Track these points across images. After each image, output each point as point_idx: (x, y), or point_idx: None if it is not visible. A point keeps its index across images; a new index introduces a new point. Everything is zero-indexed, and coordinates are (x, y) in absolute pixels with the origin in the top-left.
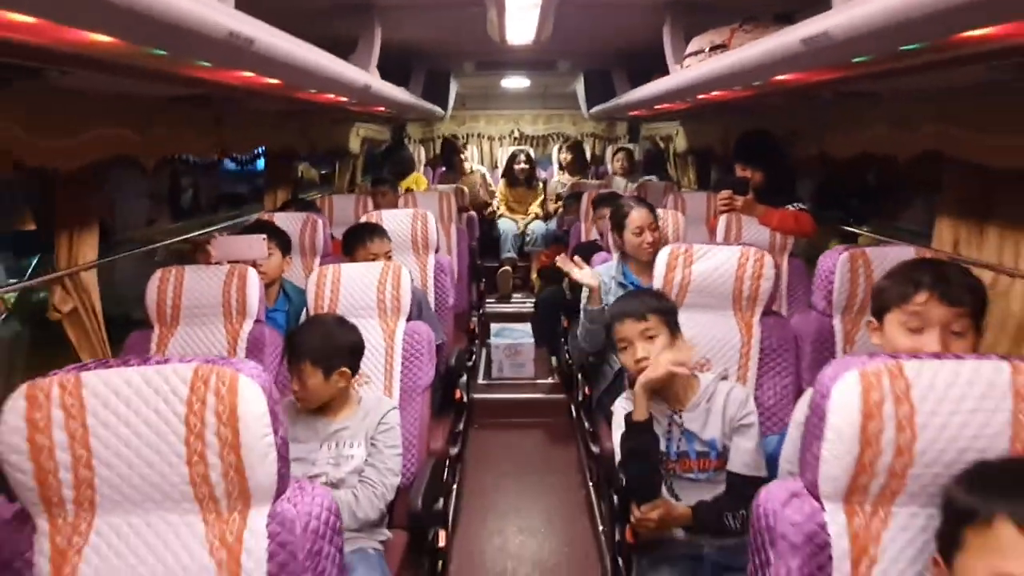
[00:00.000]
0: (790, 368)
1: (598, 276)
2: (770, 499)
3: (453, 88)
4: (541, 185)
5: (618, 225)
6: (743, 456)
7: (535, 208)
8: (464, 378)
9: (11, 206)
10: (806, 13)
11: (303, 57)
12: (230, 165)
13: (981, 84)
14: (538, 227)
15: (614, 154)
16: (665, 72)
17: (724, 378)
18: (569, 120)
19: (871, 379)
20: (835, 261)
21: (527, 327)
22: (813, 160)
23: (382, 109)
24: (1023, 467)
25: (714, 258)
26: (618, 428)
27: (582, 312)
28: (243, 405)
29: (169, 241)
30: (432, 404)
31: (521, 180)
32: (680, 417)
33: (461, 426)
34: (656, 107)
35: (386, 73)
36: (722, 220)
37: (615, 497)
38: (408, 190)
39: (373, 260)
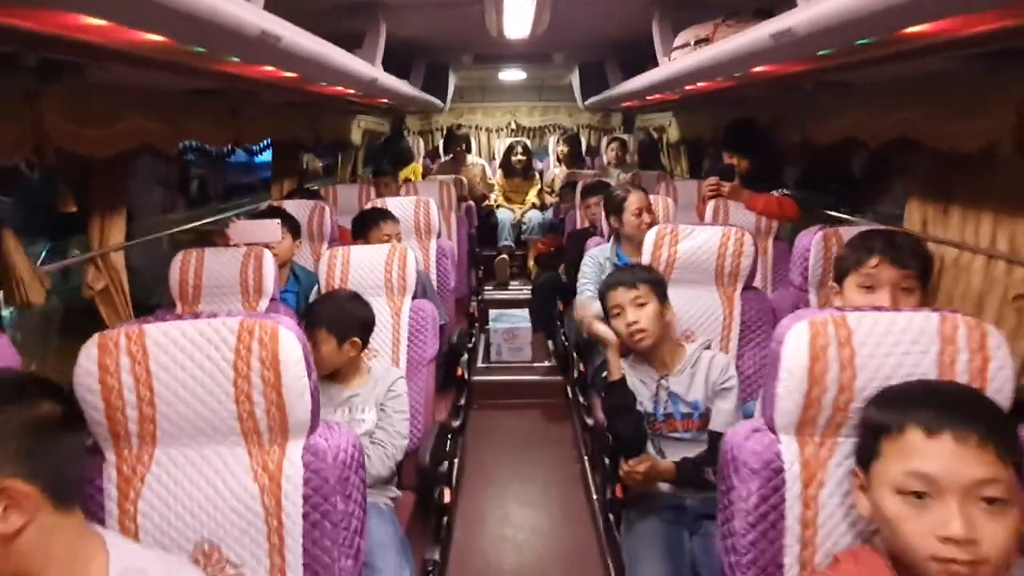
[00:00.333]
0: (768, 339)
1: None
2: (735, 435)
3: (452, 81)
4: (537, 176)
5: (616, 209)
6: (723, 416)
7: (532, 198)
8: (465, 357)
9: (55, 191)
10: (782, 8)
11: (321, 53)
12: (235, 158)
13: (941, 74)
14: (534, 216)
15: (608, 144)
16: (655, 64)
17: (707, 347)
18: (565, 112)
19: (818, 327)
20: (811, 240)
21: (524, 312)
22: (796, 147)
23: (384, 101)
24: (925, 388)
25: (698, 237)
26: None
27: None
28: (283, 352)
29: (187, 226)
30: (436, 380)
31: (518, 171)
32: (667, 381)
33: (462, 401)
34: (647, 98)
35: (388, 67)
36: (710, 205)
37: (607, 461)
38: (407, 180)
39: (386, 241)
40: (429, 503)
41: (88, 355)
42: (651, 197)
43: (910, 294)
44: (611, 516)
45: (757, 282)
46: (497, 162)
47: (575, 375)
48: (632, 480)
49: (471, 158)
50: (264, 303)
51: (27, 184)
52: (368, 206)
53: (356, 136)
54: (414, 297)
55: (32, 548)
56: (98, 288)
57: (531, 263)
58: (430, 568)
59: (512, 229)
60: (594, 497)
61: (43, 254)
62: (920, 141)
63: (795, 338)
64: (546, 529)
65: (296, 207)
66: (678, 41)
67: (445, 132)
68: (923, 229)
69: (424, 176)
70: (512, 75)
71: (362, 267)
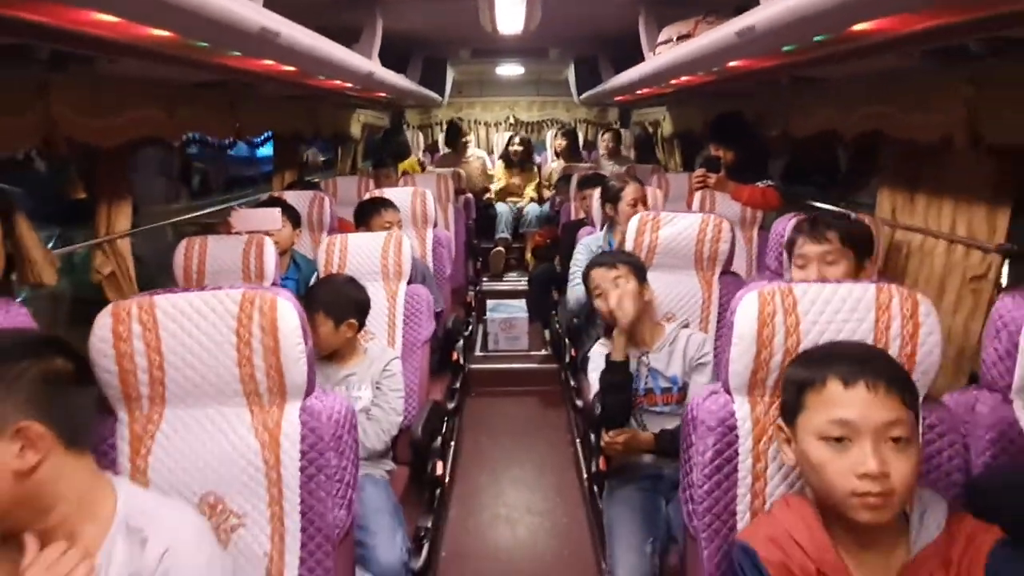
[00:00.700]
0: None
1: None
2: (695, 398)
3: (450, 75)
4: (536, 169)
5: (613, 198)
6: (699, 390)
7: (530, 191)
8: (460, 342)
9: (64, 180)
10: (753, 6)
11: (318, 47)
12: (235, 152)
13: (903, 71)
14: (532, 209)
15: (602, 135)
16: (644, 60)
17: (686, 326)
18: (563, 107)
19: (767, 297)
20: (785, 226)
21: (522, 303)
22: (780, 140)
23: (383, 95)
24: (838, 347)
25: (678, 224)
26: (595, 369)
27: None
28: (281, 320)
29: (189, 216)
30: (431, 365)
31: (516, 163)
32: (647, 358)
33: (457, 385)
34: (637, 92)
35: (385, 61)
36: (697, 196)
37: (592, 438)
38: (404, 172)
39: (387, 228)
40: (423, 476)
41: (103, 323)
42: (646, 189)
43: (833, 265)
44: (595, 488)
45: (743, 270)
46: (496, 155)
47: (567, 359)
48: (613, 450)
49: (471, 151)
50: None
51: (35, 175)
52: (367, 196)
53: (355, 130)
54: (411, 282)
55: (46, 484)
56: (105, 273)
57: (528, 255)
58: (422, 534)
59: (510, 222)
60: (583, 467)
61: (53, 240)
62: (886, 133)
63: (746, 307)
64: (539, 508)
65: (296, 198)
66: (661, 37)
67: (445, 126)
68: (892, 216)
69: (422, 171)
70: (510, 70)
71: (359, 253)
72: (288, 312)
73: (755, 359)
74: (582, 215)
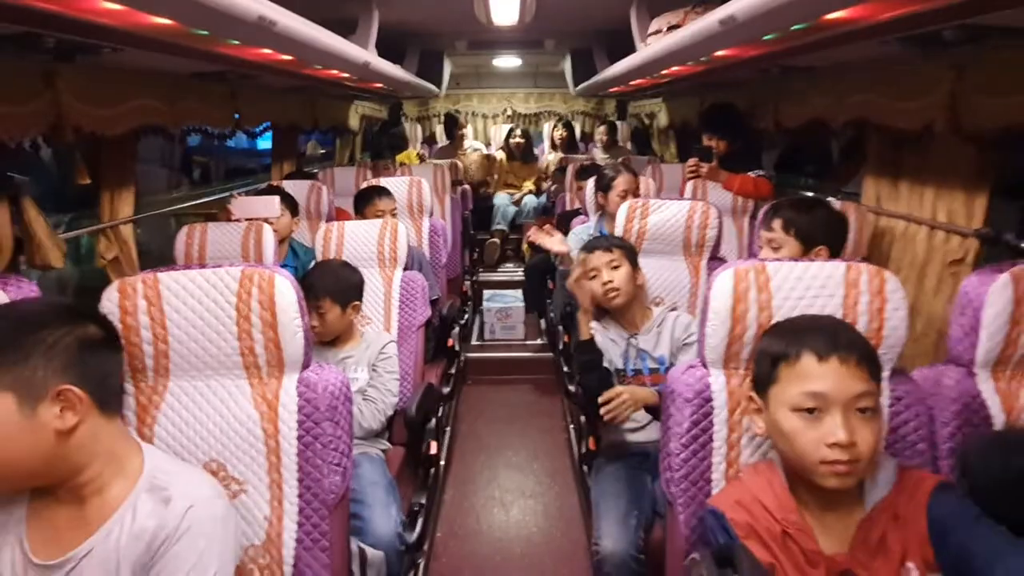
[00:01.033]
0: None
1: (565, 243)
2: (675, 372)
3: (447, 67)
4: (536, 161)
5: (604, 187)
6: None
7: (529, 184)
8: (456, 329)
9: (69, 168)
10: None
11: (314, 37)
12: (233, 143)
13: (886, 60)
14: (530, 200)
15: (597, 127)
16: (636, 50)
17: (673, 309)
18: (560, 98)
19: (741, 274)
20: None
21: (518, 293)
22: (772, 130)
23: (380, 86)
24: (810, 322)
25: (667, 211)
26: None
27: (558, 276)
28: (279, 296)
29: (189, 204)
30: (427, 351)
31: (518, 155)
32: (636, 340)
33: (453, 370)
34: (630, 83)
35: (382, 52)
36: (689, 185)
37: (583, 419)
38: (401, 164)
39: (380, 216)
40: (417, 456)
41: (109, 298)
42: (639, 179)
43: (778, 250)
44: (585, 467)
45: (734, 257)
46: (494, 147)
47: (560, 346)
48: (613, 410)
49: (467, 143)
50: None
51: (40, 164)
52: (366, 184)
53: (354, 121)
54: (407, 269)
55: (82, 444)
56: (109, 258)
57: (525, 246)
58: (416, 509)
59: (508, 213)
60: (575, 452)
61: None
62: (873, 122)
63: (721, 283)
64: (532, 491)
65: (295, 187)
66: (652, 27)
67: (444, 118)
68: (877, 203)
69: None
70: (506, 62)
71: (356, 240)
72: (285, 288)
73: (730, 333)
74: (578, 205)
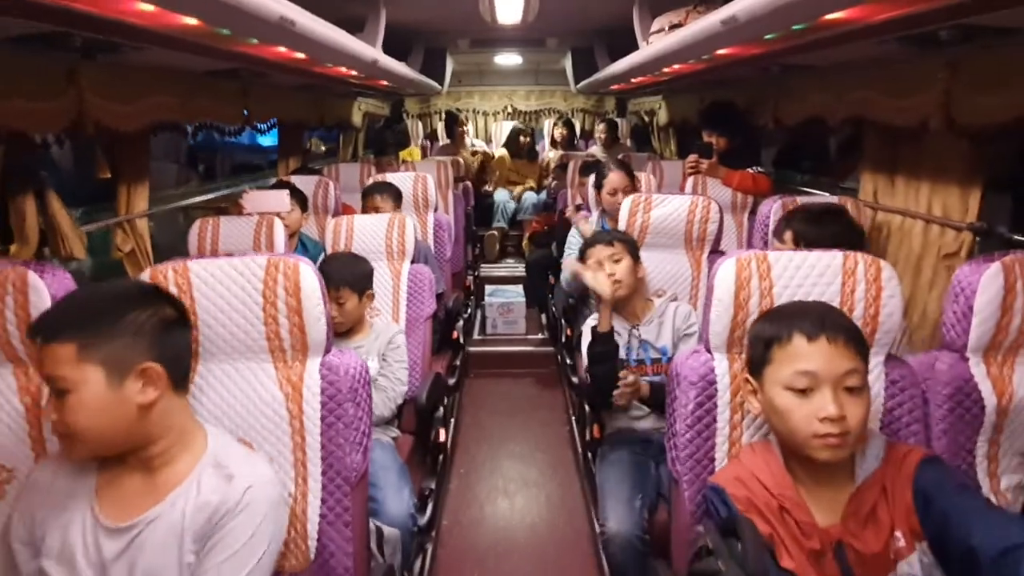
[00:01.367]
0: None
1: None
2: (679, 357)
3: (449, 65)
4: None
5: (599, 185)
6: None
7: (530, 181)
8: (461, 322)
9: (89, 163)
10: None
11: (328, 36)
12: (239, 140)
13: (884, 58)
14: (530, 197)
15: (598, 125)
16: (638, 48)
17: (674, 299)
18: (560, 96)
19: (743, 263)
20: (771, 208)
21: (519, 288)
22: (771, 127)
23: (384, 83)
24: (799, 306)
25: (669, 205)
26: (586, 340)
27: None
28: (303, 283)
29: (199, 199)
30: (433, 343)
31: (524, 154)
32: (638, 331)
33: (458, 362)
34: (632, 80)
35: (387, 50)
36: (689, 181)
37: (587, 408)
38: (404, 161)
39: (376, 212)
40: (427, 443)
41: None
42: (639, 175)
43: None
44: (589, 454)
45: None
46: (495, 144)
47: (562, 339)
48: (622, 398)
49: (468, 140)
50: None
51: (50, 161)
52: (373, 179)
53: (357, 118)
54: (414, 262)
55: (158, 418)
56: (126, 250)
57: (525, 242)
58: (427, 493)
59: (508, 210)
60: (577, 445)
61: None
62: (871, 119)
63: (724, 271)
64: (535, 480)
65: (302, 183)
66: (654, 26)
67: (445, 116)
68: (874, 198)
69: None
70: (508, 59)
71: (365, 234)
72: (309, 276)
73: (733, 319)
74: (580, 201)
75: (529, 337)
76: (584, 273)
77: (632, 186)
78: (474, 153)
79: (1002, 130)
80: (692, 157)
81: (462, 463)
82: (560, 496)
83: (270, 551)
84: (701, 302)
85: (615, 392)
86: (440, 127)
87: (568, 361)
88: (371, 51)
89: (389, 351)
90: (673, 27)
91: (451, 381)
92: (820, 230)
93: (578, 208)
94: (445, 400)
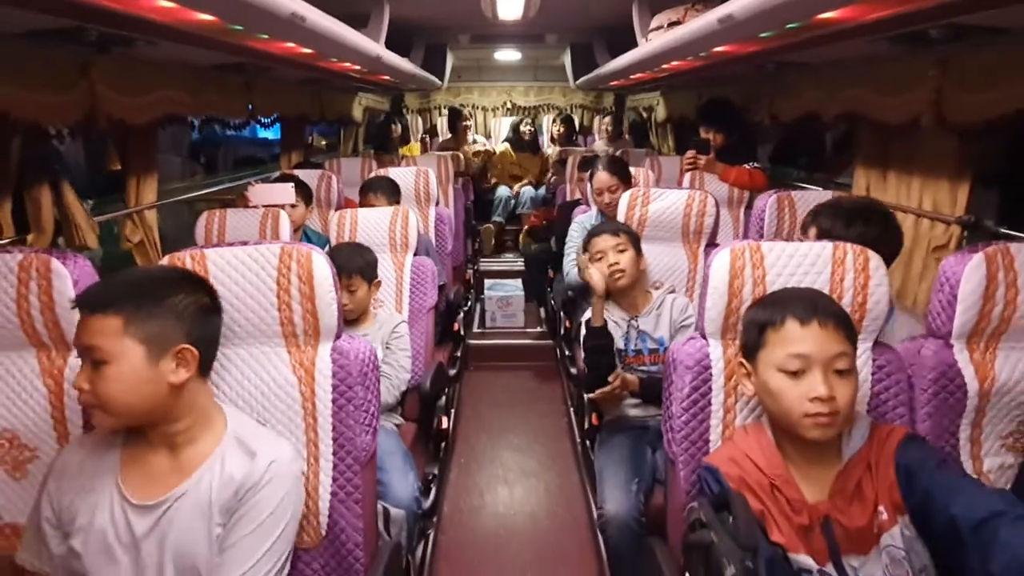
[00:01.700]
0: None
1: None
2: (676, 343)
3: (449, 61)
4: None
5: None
6: None
7: (530, 175)
8: (461, 315)
9: (100, 155)
10: None
11: (335, 32)
12: (241, 133)
13: (877, 56)
14: (528, 191)
15: (601, 120)
16: (636, 45)
17: (672, 291)
18: (559, 92)
19: (738, 253)
20: (766, 202)
21: (518, 282)
22: (766, 123)
23: (386, 78)
24: (791, 292)
25: (667, 199)
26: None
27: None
28: (316, 271)
29: (204, 192)
30: (435, 335)
31: (527, 147)
32: (636, 322)
33: (459, 353)
34: (630, 77)
35: (389, 46)
36: (687, 177)
37: (585, 398)
38: (403, 156)
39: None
40: (429, 430)
41: None
42: (637, 171)
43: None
44: (587, 441)
45: None
46: (495, 140)
47: (561, 331)
48: (608, 396)
49: (470, 136)
50: None
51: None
52: (375, 173)
53: (357, 113)
54: (416, 254)
55: (186, 399)
56: (135, 241)
57: (522, 236)
58: (430, 478)
59: (507, 205)
60: (576, 436)
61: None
62: (864, 116)
63: (719, 261)
64: (533, 470)
65: (305, 176)
66: (653, 24)
67: (445, 111)
68: (867, 193)
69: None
70: (507, 55)
71: (368, 227)
72: (321, 264)
73: (727, 307)
74: (579, 195)
75: (528, 330)
76: (583, 266)
77: (620, 185)
78: (476, 154)
79: (990, 127)
80: (690, 153)
81: (462, 453)
82: (558, 485)
83: (291, 523)
84: (698, 293)
85: (596, 392)
86: (440, 122)
87: (567, 352)
88: (375, 46)
89: (393, 339)
90: (672, 24)
91: (452, 372)
92: (846, 231)
93: (576, 204)
94: (447, 390)
